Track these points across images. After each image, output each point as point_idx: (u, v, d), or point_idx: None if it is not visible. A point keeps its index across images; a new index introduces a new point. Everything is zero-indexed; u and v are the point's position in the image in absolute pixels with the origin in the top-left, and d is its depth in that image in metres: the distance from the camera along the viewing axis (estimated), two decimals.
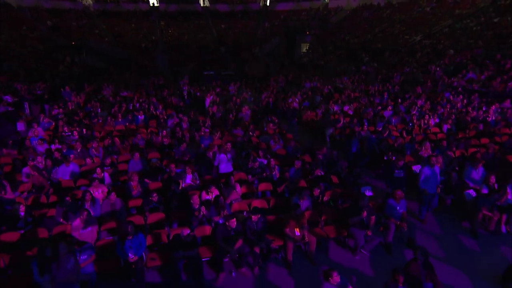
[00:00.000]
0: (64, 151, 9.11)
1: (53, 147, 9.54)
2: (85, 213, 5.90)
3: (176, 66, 28.03)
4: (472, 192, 7.26)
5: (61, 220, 6.31)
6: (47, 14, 34.28)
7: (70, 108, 13.89)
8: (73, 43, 29.19)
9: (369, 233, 6.29)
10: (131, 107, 14.06)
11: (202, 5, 41.49)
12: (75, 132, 10.37)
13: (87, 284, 5.16)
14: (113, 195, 6.56)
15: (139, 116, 12.62)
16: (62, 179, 7.88)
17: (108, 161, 8.52)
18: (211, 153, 8.60)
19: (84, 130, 10.72)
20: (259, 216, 6.00)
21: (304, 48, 35.66)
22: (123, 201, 6.78)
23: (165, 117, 12.81)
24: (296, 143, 9.94)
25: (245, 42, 35.32)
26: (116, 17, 37.96)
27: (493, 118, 11.84)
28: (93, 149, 9.24)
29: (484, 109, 12.77)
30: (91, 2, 38.39)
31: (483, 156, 8.46)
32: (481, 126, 11.07)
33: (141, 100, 15.28)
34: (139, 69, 26.99)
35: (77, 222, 5.92)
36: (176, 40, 35.52)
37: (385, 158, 9.60)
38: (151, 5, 40.24)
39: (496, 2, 26.04)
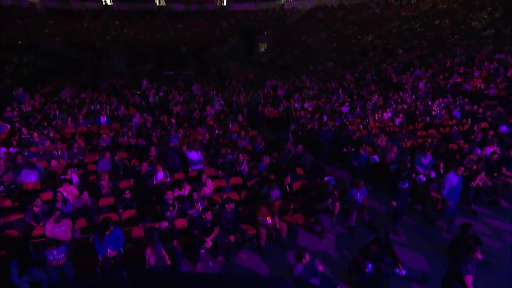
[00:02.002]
0: (26, 153, 8.82)
1: (11, 150, 9.19)
2: (57, 212, 5.89)
3: (134, 66, 27.44)
4: (422, 177, 8.06)
5: (31, 222, 6.22)
6: None
7: (25, 110, 13.30)
8: (19, 42, 27.55)
9: (334, 219, 6.83)
10: (92, 108, 13.73)
11: (158, 4, 40.81)
12: (35, 134, 10.03)
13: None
14: (85, 194, 6.57)
15: (101, 118, 12.39)
16: (26, 182, 7.67)
17: (75, 161, 8.40)
18: (183, 149, 8.77)
19: (50, 132, 10.40)
20: (233, 205, 6.31)
21: (262, 48, 36.33)
22: (94, 200, 6.79)
23: (128, 118, 12.71)
24: (262, 139, 10.33)
25: (204, 42, 35.30)
26: (66, 16, 36.26)
27: (438, 111, 13.02)
28: (56, 151, 9.03)
29: (430, 103, 13.98)
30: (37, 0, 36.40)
31: (430, 145, 9.37)
32: (428, 119, 12.16)
33: (101, 101, 14.94)
34: (95, 70, 26.10)
35: (50, 222, 5.89)
36: (132, 40, 34.70)
37: (344, 150, 10.32)
38: (103, 3, 38.92)
39: (435, 6, 28.27)
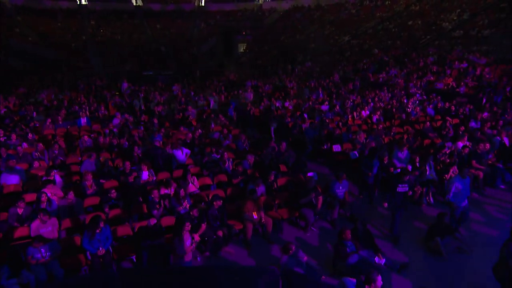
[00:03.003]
0: (4, 156, 8.64)
1: None
2: (42, 212, 5.87)
3: (112, 67, 27.02)
4: (399, 171, 8.45)
5: (15, 223, 6.16)
6: None
7: (1, 112, 12.95)
8: None
9: (318, 209, 7.09)
10: (72, 110, 13.52)
11: (135, 4, 40.24)
12: (13, 136, 9.83)
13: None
14: (71, 194, 6.56)
15: (81, 119, 12.25)
16: (7, 184, 7.55)
17: (57, 162, 8.32)
18: (167, 149, 8.83)
19: (29, 134, 10.20)
20: (221, 202, 6.45)
21: (242, 48, 36.48)
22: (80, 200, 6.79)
23: (108, 118, 12.62)
24: (245, 137, 10.51)
25: (183, 42, 35.12)
26: (37, 15, 35.16)
27: (412, 109, 13.56)
28: (36, 153, 8.90)
29: (405, 101, 14.55)
30: None
31: (407, 141, 9.82)
32: (403, 116, 12.67)
33: (80, 102, 14.72)
34: (72, 70, 25.52)
35: (36, 223, 5.87)
36: (109, 40, 34.10)
37: (325, 147, 10.63)
38: (78, 2, 38.02)
39: (408, 7, 29.28)
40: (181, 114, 13.30)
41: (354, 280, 4.70)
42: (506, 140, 9.86)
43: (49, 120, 11.85)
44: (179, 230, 5.58)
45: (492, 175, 8.89)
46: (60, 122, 12.00)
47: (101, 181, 7.78)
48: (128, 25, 37.82)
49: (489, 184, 8.91)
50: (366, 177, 8.26)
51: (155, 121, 12.16)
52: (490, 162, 9.06)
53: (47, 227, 5.85)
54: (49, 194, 6.71)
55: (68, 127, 12.00)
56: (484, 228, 7.26)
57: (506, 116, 12.04)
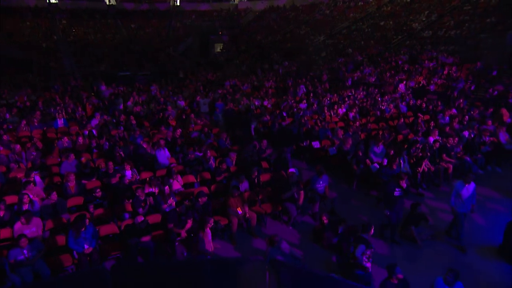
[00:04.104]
0: None
1: None
2: (25, 214, 5.82)
3: (85, 67, 26.41)
4: (376, 165, 8.86)
5: None
6: None
7: None
8: None
9: (300, 203, 7.35)
10: (47, 111, 13.21)
11: (108, 3, 39.41)
12: None
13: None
14: (54, 195, 6.51)
15: (58, 120, 12.01)
16: None
17: (37, 164, 8.19)
18: (148, 148, 8.86)
19: (4, 136, 9.92)
20: (206, 198, 6.60)
21: (218, 48, 36.46)
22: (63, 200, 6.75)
23: (86, 119, 12.43)
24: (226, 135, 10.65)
25: (158, 42, 34.74)
26: (4, 13, 33.71)
27: (386, 106, 14.11)
28: (14, 155, 8.71)
29: (379, 99, 15.10)
30: None
31: (382, 136, 10.25)
32: (378, 113, 13.18)
33: (56, 103, 14.39)
34: (44, 71, 24.73)
35: (18, 224, 5.81)
36: (82, 40, 33.27)
37: (304, 144, 10.94)
38: (47, 1, 36.80)
39: (380, 8, 30.24)
40: (161, 114, 13.28)
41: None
42: (466, 134, 10.49)
43: (24, 122, 11.56)
44: (202, 226, 5.71)
45: (461, 167, 9.44)
46: (36, 124, 11.73)
47: (83, 181, 7.74)
48: (102, 25, 37.02)
49: (458, 176, 9.46)
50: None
51: (134, 121, 12.08)
52: (458, 155, 9.62)
53: (31, 228, 5.81)
54: (31, 196, 6.64)
55: (44, 128, 11.74)
56: (451, 217, 7.71)
57: (471, 112, 12.76)
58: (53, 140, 10.39)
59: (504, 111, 12.15)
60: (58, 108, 13.67)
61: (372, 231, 5.60)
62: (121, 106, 14.68)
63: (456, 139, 9.73)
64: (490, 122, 11.23)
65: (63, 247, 5.78)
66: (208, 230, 5.83)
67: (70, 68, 26.47)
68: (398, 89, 15.77)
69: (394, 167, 8.44)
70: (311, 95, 16.41)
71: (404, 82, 16.65)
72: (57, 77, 22.25)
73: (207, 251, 5.74)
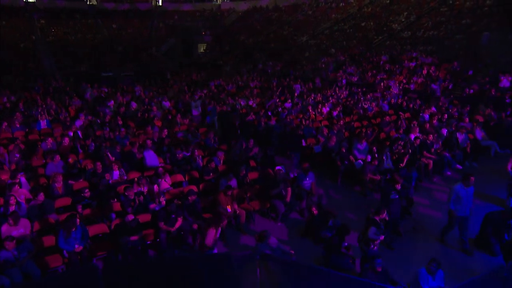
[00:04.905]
0: None
1: None
2: (13, 215, 5.78)
3: (66, 68, 25.90)
4: (360, 162, 9.13)
5: None
6: None
7: None
8: None
9: (287, 200, 7.52)
10: (30, 113, 12.98)
11: (88, 3, 38.71)
12: None
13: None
14: (41, 196, 6.47)
15: (41, 121, 11.83)
16: None
17: (21, 165, 8.08)
18: (135, 149, 8.86)
19: None
20: (195, 196, 6.68)
21: (202, 48, 36.38)
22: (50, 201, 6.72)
23: (69, 120, 12.28)
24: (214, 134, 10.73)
25: (141, 42, 34.38)
26: None
27: (369, 105, 14.48)
28: None
29: (362, 98, 15.47)
30: None
31: (365, 134, 10.54)
32: (361, 111, 13.52)
33: (38, 105, 14.12)
34: (23, 72, 24.11)
35: (5, 226, 5.76)
36: (62, 40, 32.60)
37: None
38: (24, 0, 35.86)
39: (361, 9, 30.86)
40: (146, 114, 13.23)
41: None
42: (444, 131, 10.90)
43: (5, 123, 11.34)
44: (217, 223, 5.79)
45: (440, 163, 9.82)
46: (18, 125, 11.52)
47: (70, 182, 7.69)
48: (82, 25, 36.37)
49: (437, 171, 9.83)
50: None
51: (120, 122, 12.01)
52: (438, 151, 10.00)
53: (18, 229, 5.77)
54: (17, 197, 6.57)
55: (27, 130, 11.55)
56: (431, 211, 8.02)
57: (450, 110, 13.24)
58: (36, 142, 10.25)
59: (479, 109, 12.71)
60: (40, 109, 13.44)
61: (385, 214, 5.88)
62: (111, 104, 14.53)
63: (436, 135, 10.12)
64: (467, 120, 11.73)
65: (53, 247, 5.76)
66: (219, 229, 5.87)
67: (50, 68, 25.89)
68: (391, 90, 16.09)
69: (376, 163, 8.75)
70: (296, 94, 16.65)
71: (397, 83, 16.93)
72: (37, 78, 21.73)
73: (212, 246, 5.81)
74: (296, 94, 16.79)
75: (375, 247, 5.74)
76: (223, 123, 12.60)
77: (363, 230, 6.06)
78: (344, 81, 18.92)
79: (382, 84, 17.16)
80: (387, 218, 6.13)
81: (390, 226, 6.65)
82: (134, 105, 14.53)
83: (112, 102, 14.87)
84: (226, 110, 13.71)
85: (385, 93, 15.86)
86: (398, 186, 6.81)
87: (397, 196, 6.79)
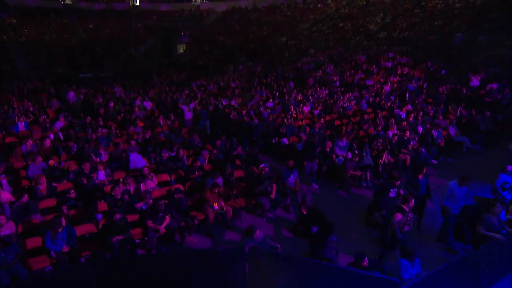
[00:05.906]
0: None
1: None
2: None
3: (41, 69, 25.25)
4: (341, 158, 9.44)
5: None
6: None
7: None
8: None
9: (272, 196, 7.71)
10: (6, 115, 12.65)
11: (63, 2, 37.76)
12: None
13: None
14: (25, 197, 6.41)
15: (19, 123, 11.57)
16: None
17: (2, 168, 7.92)
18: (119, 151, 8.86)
19: None
20: (182, 194, 6.78)
21: (181, 48, 36.15)
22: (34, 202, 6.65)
23: (48, 122, 12.06)
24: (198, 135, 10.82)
25: (119, 42, 33.86)
26: None
27: (348, 104, 14.88)
28: None
29: (341, 97, 15.86)
30: None
31: (345, 132, 10.89)
32: (341, 110, 13.90)
33: (14, 107, 13.77)
34: None
35: None
36: (36, 40, 31.70)
37: (273, 141, 11.34)
38: None
39: (338, 10, 31.52)
40: (127, 115, 13.15)
41: None
42: (420, 129, 11.38)
43: None
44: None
45: (417, 158, 10.24)
46: None
47: (54, 184, 7.62)
48: (57, 25, 35.48)
49: (414, 167, 10.12)
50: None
51: (101, 123, 11.90)
52: (415, 147, 10.44)
53: (4, 231, 5.70)
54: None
55: (3, 132, 11.28)
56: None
57: (425, 108, 13.78)
58: (14, 144, 10.04)
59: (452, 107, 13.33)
60: (17, 111, 13.12)
61: (413, 203, 6.03)
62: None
63: (412, 132, 10.57)
64: (441, 117, 12.28)
65: (39, 248, 5.73)
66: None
67: (25, 69, 25.18)
68: (384, 90, 16.46)
69: (356, 159, 9.08)
70: (277, 94, 16.90)
71: (389, 83, 17.30)
72: (12, 79, 21.10)
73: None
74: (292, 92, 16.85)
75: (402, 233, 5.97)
76: (218, 124, 12.47)
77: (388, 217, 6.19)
78: (338, 82, 18.92)
79: (375, 85, 17.38)
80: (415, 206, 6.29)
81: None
82: (111, 104, 14.38)
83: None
84: (217, 110, 13.71)
85: (363, 92, 16.30)
86: (397, 183, 6.85)
87: (396, 194, 6.76)
